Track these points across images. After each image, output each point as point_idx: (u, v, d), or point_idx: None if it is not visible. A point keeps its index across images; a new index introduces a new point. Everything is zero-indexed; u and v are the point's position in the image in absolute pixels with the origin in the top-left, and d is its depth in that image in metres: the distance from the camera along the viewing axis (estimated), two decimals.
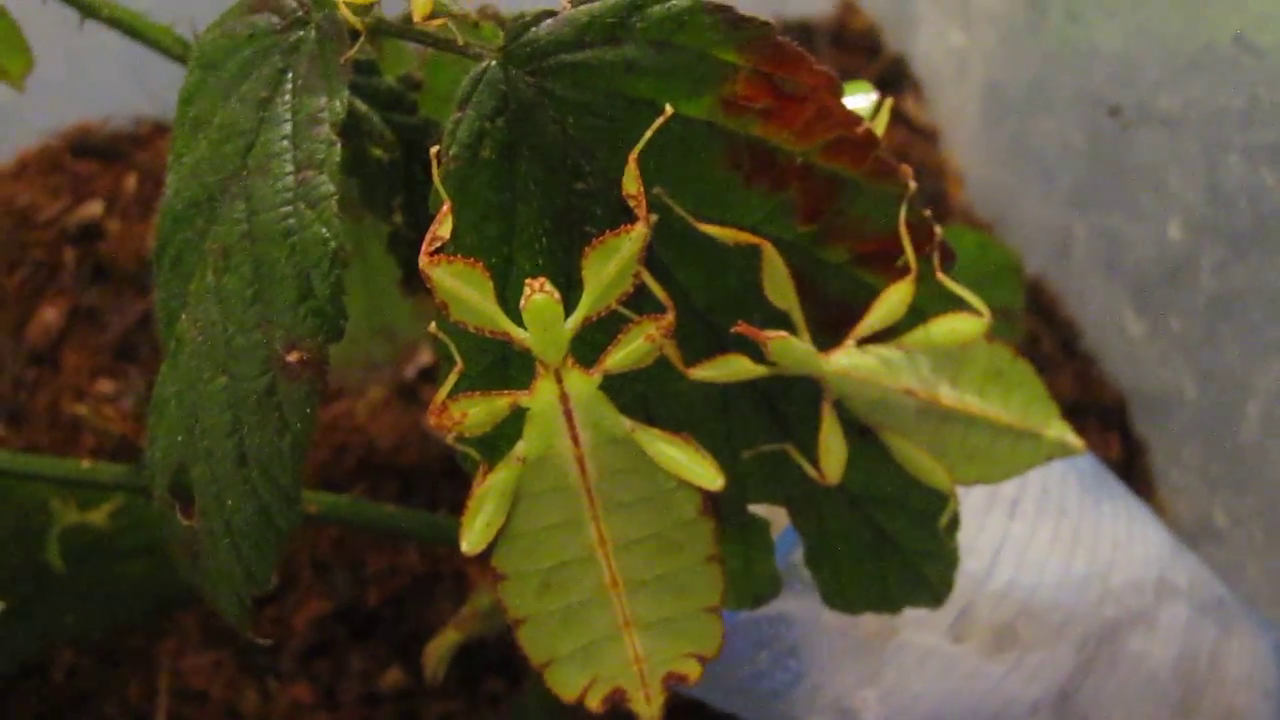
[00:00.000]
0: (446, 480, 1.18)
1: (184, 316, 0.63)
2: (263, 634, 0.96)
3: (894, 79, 1.59)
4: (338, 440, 1.20)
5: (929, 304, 0.62)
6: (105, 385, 1.23)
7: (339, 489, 1.16)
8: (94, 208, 1.35)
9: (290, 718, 1.06)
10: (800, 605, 0.86)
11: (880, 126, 0.63)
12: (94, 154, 1.41)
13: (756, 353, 0.58)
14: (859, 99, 0.67)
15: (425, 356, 1.21)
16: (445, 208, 0.54)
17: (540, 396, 0.54)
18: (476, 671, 1.08)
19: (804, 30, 1.58)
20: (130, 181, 1.38)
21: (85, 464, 0.87)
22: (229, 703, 1.07)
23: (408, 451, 1.19)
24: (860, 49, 1.61)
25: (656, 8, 0.56)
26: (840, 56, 1.58)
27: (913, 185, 0.60)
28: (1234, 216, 1.02)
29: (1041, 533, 0.93)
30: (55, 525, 0.91)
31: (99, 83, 1.38)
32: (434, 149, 0.57)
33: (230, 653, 1.09)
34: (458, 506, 0.55)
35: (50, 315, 1.27)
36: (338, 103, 0.59)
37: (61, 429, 1.19)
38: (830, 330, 0.61)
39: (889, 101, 0.67)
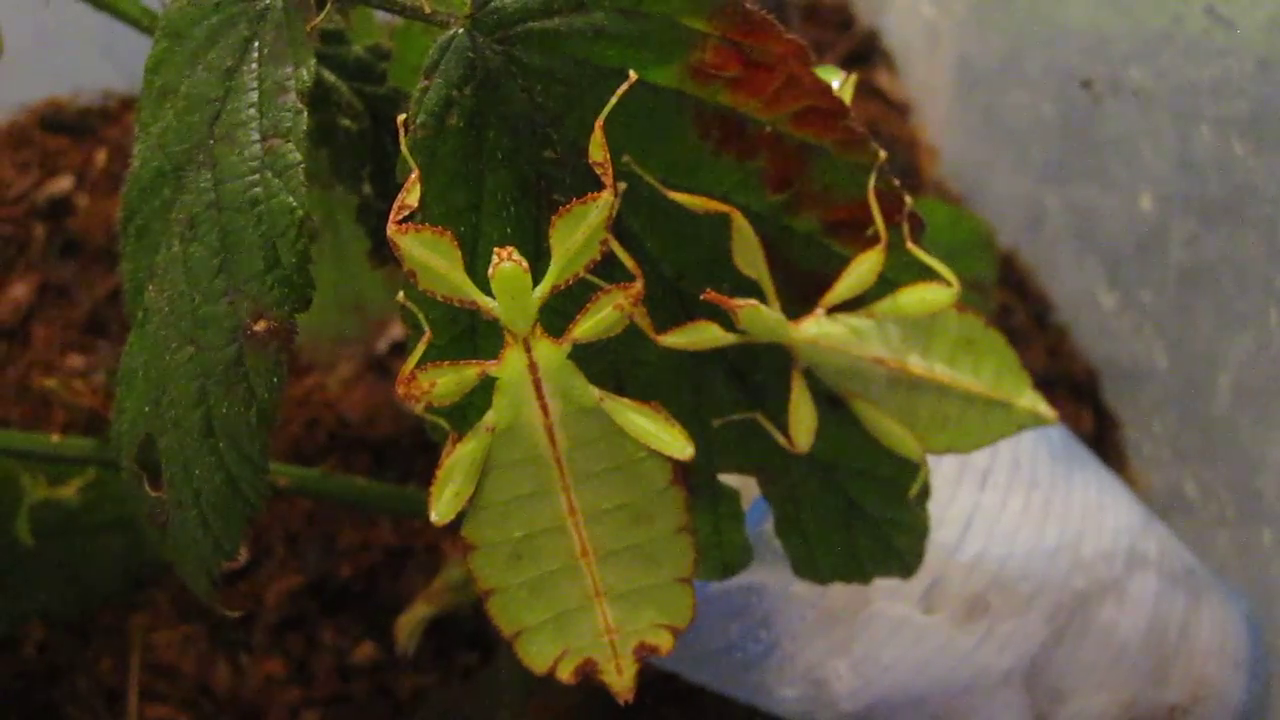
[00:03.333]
0: (419, 454, 1.18)
1: (151, 287, 0.62)
2: (234, 608, 0.96)
3: (866, 53, 1.59)
4: (309, 414, 1.19)
5: (899, 273, 0.62)
6: (75, 360, 1.22)
7: (311, 463, 1.15)
8: (64, 183, 1.34)
9: (262, 692, 1.06)
10: (771, 576, 0.86)
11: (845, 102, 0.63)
12: (63, 129, 1.40)
13: (726, 321, 0.58)
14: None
15: (397, 330, 1.20)
16: (413, 176, 0.54)
17: (509, 366, 0.54)
18: (449, 645, 1.08)
19: (776, 4, 1.58)
20: (100, 156, 1.37)
21: (55, 439, 0.87)
22: (201, 677, 1.07)
23: (380, 425, 1.19)
24: (832, 23, 1.61)
25: None
26: (813, 30, 1.58)
27: (882, 154, 0.60)
28: (1205, 188, 1.02)
29: (1012, 503, 0.93)
30: (25, 500, 0.91)
31: (68, 57, 1.37)
32: (401, 117, 0.56)
33: (202, 627, 1.09)
34: (430, 480, 0.55)
35: (20, 291, 1.27)
36: (304, 71, 0.58)
37: (31, 404, 1.18)
38: (800, 299, 0.61)
39: (853, 77, 0.66)
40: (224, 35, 0.62)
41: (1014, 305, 1.34)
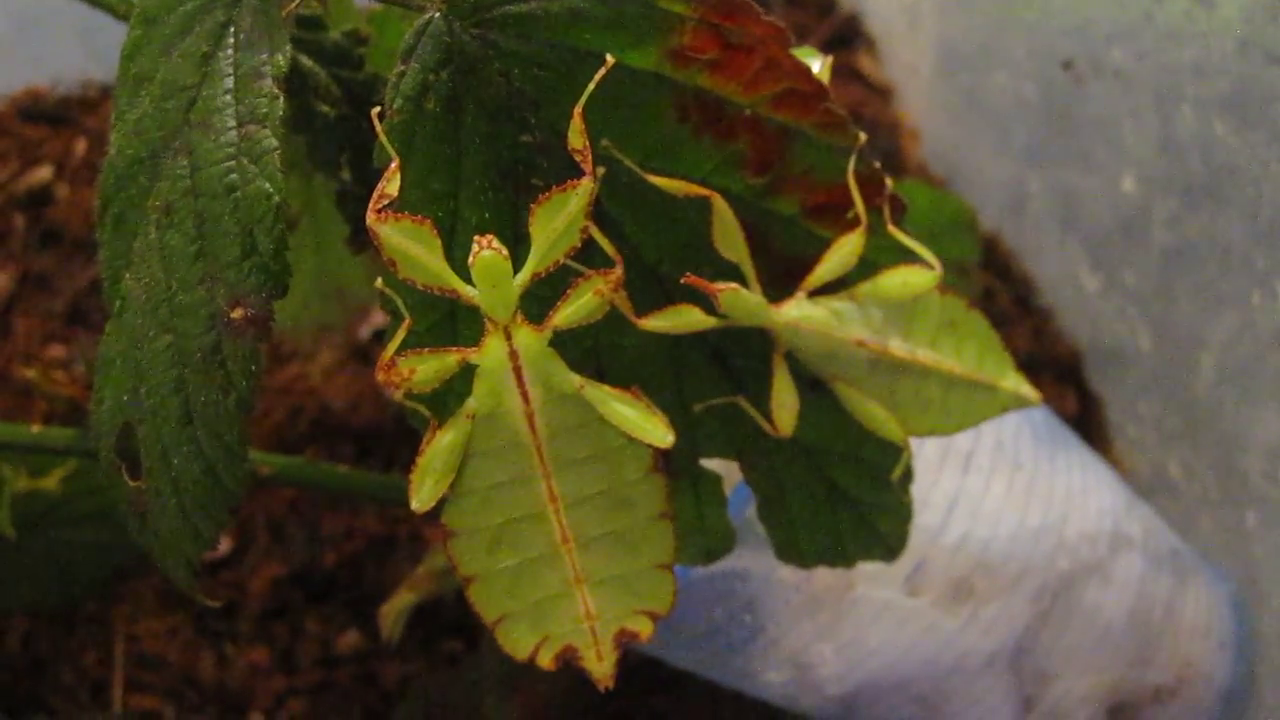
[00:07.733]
0: (402, 441, 1.17)
1: (128, 275, 0.62)
2: (218, 597, 0.95)
3: (848, 36, 1.58)
4: (292, 403, 1.19)
5: (880, 256, 0.62)
6: (56, 350, 1.22)
7: (294, 451, 1.15)
8: (43, 173, 1.34)
9: (247, 681, 1.06)
10: (755, 560, 0.86)
11: None
12: (43, 118, 1.39)
13: (707, 305, 0.58)
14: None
15: (379, 317, 1.19)
16: (393, 165, 0.53)
17: (489, 353, 0.54)
18: (434, 632, 1.08)
19: None
20: (80, 146, 1.37)
21: (36, 429, 0.86)
22: (186, 667, 1.07)
23: (362, 413, 1.18)
24: (813, 6, 1.61)
25: None
26: (794, 14, 1.58)
27: (862, 137, 0.59)
28: (1187, 168, 1.02)
29: (996, 486, 0.93)
30: (6, 491, 0.91)
31: (46, 46, 1.37)
32: (377, 104, 0.56)
33: (186, 617, 1.09)
34: (412, 467, 0.55)
35: (0, 281, 1.26)
36: (280, 57, 0.58)
37: (12, 395, 1.18)
38: (781, 283, 0.61)
39: (829, 60, 0.66)
40: (199, 21, 0.61)
41: (997, 287, 1.34)
